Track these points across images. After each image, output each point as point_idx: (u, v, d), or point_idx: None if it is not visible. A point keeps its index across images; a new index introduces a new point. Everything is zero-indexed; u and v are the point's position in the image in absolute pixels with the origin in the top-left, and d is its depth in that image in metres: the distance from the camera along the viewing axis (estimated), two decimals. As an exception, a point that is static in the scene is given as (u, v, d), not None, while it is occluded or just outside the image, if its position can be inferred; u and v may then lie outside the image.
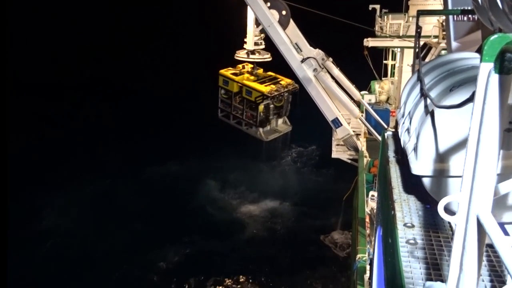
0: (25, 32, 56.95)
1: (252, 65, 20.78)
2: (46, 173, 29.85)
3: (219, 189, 29.16)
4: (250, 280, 21.37)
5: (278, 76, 20.76)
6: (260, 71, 20.90)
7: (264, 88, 19.71)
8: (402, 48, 26.47)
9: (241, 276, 21.52)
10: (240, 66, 21.09)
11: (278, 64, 19.90)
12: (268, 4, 18.55)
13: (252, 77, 20.35)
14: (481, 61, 1.78)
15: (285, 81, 20.42)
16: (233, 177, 30.14)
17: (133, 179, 30.07)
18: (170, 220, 25.46)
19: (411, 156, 3.70)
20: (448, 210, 2.68)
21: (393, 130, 5.60)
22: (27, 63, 49.53)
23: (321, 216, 25.35)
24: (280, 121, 21.53)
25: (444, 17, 14.23)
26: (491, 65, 1.73)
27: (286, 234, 24.77)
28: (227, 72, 20.72)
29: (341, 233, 23.73)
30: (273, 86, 19.92)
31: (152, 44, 62.11)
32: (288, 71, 19.95)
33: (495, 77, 1.71)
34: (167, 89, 45.08)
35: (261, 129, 20.63)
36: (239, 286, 20.99)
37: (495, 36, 1.74)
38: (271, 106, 20.46)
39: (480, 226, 1.80)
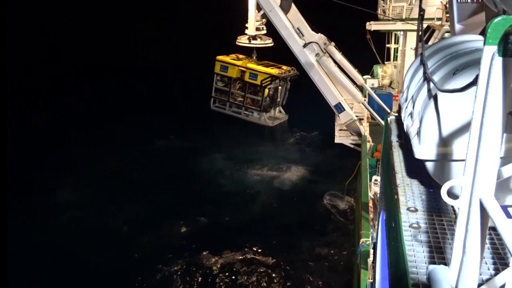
0: (21, 23, 56.94)
1: (242, 55, 20.58)
2: (56, 148, 30.39)
3: (226, 164, 29.54)
4: (258, 247, 21.61)
5: (274, 63, 20.61)
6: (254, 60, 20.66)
7: (272, 70, 19.59)
8: (405, 31, 26.25)
9: (247, 244, 21.77)
10: (234, 55, 20.81)
11: (277, 50, 19.77)
12: (269, -12, 18.37)
13: (251, 63, 20.19)
14: (484, 44, 1.76)
15: (284, 67, 20.29)
16: (239, 153, 30.48)
17: (141, 156, 30.57)
18: (180, 192, 25.83)
19: (414, 140, 3.70)
20: (451, 193, 2.69)
21: (396, 114, 5.58)
22: (27, 51, 49.70)
23: (325, 199, 25.49)
24: (276, 110, 21.46)
25: (447, -1, 14.07)
26: (494, 48, 1.71)
27: (289, 215, 25.00)
28: (226, 58, 20.42)
29: (344, 216, 23.92)
30: (277, 69, 19.83)
31: (154, 27, 62.08)
32: (288, 57, 19.82)
33: (498, 60, 1.69)
34: (172, 69, 45.36)
35: (265, 114, 20.52)
36: (245, 255, 21.21)
37: (499, 18, 1.72)
38: (280, 88, 20.32)
39: (483, 210, 1.80)
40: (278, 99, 20.67)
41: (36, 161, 28.98)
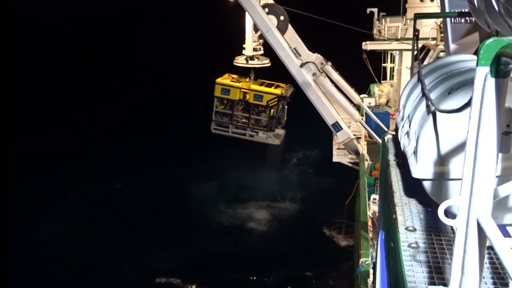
0: (27, 35, 57.46)
1: (235, 75, 20.49)
2: (47, 176, 30.01)
3: (222, 191, 29.16)
4: (254, 279, 21.29)
5: (270, 81, 20.58)
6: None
7: (277, 91, 19.55)
8: (401, 50, 26.54)
9: (244, 276, 21.45)
10: (226, 75, 20.53)
11: (271, 68, 19.89)
12: (266, 9, 18.64)
13: (251, 83, 20.15)
14: (477, 65, 1.79)
15: (282, 85, 20.32)
16: (235, 180, 30.20)
17: (134, 182, 30.18)
18: (173, 222, 25.40)
19: (411, 159, 3.71)
20: (449, 213, 2.68)
21: (393, 133, 5.61)
22: (30, 65, 50.06)
23: (324, 220, 25.28)
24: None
25: (441, 19, 14.28)
26: (487, 69, 1.74)
27: (289, 237, 24.68)
28: (225, 80, 20.14)
29: (345, 237, 23.65)
30: (280, 88, 19.87)
31: (152, 48, 62.69)
32: (282, 75, 19.96)
33: (491, 81, 1.71)
34: (166, 93, 45.51)
35: (272, 134, 20.37)
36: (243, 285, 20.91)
37: (490, 40, 1.75)
38: (286, 107, 20.24)
39: (480, 230, 1.80)
40: (285, 118, 20.53)
41: (27, 189, 28.46)
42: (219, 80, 20.00)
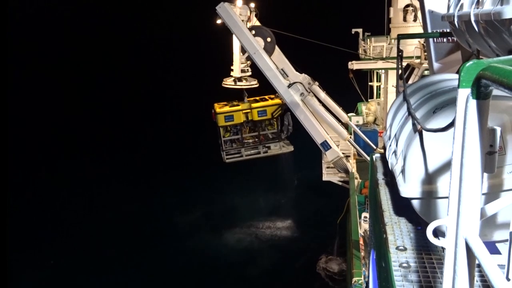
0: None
1: (223, 103, 20.61)
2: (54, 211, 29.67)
3: (208, 216, 28.93)
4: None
5: (261, 97, 20.87)
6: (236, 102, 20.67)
7: (276, 101, 19.83)
8: (386, 69, 26.98)
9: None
10: (216, 104, 20.57)
11: (261, 90, 20.07)
12: (253, 31, 18.87)
13: (246, 103, 20.32)
14: (458, 87, 1.83)
15: (272, 96, 20.60)
16: (222, 203, 29.99)
17: (130, 212, 29.86)
18: (168, 254, 25.14)
19: (399, 178, 3.73)
20: (439, 231, 2.69)
21: (382, 151, 5.65)
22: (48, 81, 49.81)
23: (316, 241, 25.09)
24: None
25: (425, 39, 14.58)
26: (468, 90, 1.78)
27: (281, 262, 24.36)
28: (224, 108, 20.11)
29: (338, 262, 23.40)
30: (275, 99, 20.13)
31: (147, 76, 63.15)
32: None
33: (473, 103, 1.75)
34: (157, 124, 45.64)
35: (283, 142, 20.58)
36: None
37: (471, 62, 1.79)
38: (289, 113, 20.31)
39: (469, 249, 1.81)
40: (291, 123, 20.61)
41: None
42: (218, 110, 19.91)
